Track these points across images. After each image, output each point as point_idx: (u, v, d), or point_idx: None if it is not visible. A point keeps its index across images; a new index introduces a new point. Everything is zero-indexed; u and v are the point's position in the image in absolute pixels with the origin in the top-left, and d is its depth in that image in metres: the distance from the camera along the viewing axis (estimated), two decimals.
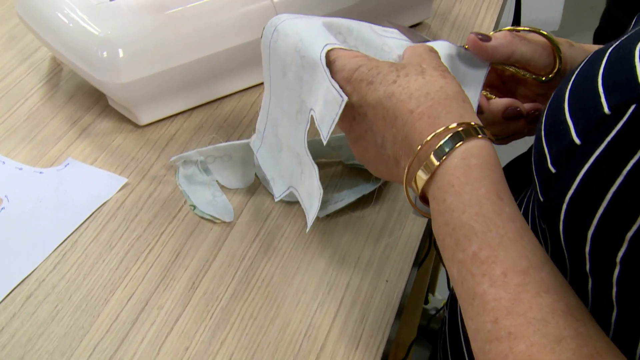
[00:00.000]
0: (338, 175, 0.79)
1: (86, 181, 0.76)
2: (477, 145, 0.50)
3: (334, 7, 0.91)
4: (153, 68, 0.79)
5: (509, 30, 0.64)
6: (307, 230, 0.67)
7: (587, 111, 0.46)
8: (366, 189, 0.77)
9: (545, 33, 0.65)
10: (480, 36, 0.62)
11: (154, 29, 0.79)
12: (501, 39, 0.62)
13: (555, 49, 0.64)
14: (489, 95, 0.68)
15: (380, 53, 0.61)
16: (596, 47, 0.68)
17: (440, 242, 0.50)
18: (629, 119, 0.42)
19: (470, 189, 0.48)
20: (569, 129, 0.47)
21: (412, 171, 0.53)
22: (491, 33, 0.63)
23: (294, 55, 0.61)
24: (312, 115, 0.61)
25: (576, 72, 0.51)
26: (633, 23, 0.59)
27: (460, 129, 0.50)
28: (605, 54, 0.48)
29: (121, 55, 0.77)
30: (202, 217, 0.73)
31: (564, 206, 0.46)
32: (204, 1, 0.83)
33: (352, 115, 0.58)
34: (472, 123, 0.51)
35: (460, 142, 0.50)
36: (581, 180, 0.44)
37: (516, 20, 1.18)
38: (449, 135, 0.50)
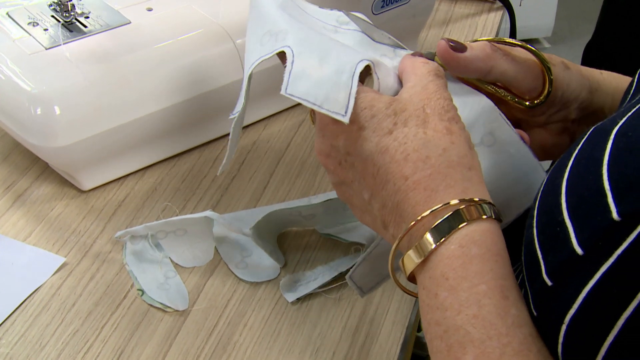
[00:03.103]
0: (311, 248, 0.68)
1: (16, 263, 0.65)
2: (480, 230, 0.42)
3: None
4: (96, 127, 0.68)
5: (489, 40, 0.53)
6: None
7: (590, 215, 0.37)
8: (343, 264, 0.66)
9: (534, 49, 0.54)
10: (452, 43, 0.51)
11: (98, 81, 0.68)
12: (478, 51, 0.52)
13: (545, 70, 0.54)
14: None
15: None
16: (596, 72, 0.58)
17: (428, 342, 0.42)
18: None
19: (468, 285, 0.40)
20: (569, 234, 0.38)
21: (402, 246, 0.44)
22: (468, 42, 0.52)
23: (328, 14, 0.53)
24: (284, 51, 0.49)
25: (574, 157, 0.41)
26: (636, 80, 0.49)
27: (462, 206, 0.42)
28: (609, 136, 0.39)
29: (58, 113, 0.66)
30: (151, 305, 0.63)
31: (564, 327, 0.38)
32: (156, 47, 0.73)
33: (337, 159, 0.48)
34: (476, 199, 0.42)
35: (462, 224, 0.41)
36: (585, 298, 0.36)
37: (512, 35, 1.08)
38: (448, 214, 0.42)
